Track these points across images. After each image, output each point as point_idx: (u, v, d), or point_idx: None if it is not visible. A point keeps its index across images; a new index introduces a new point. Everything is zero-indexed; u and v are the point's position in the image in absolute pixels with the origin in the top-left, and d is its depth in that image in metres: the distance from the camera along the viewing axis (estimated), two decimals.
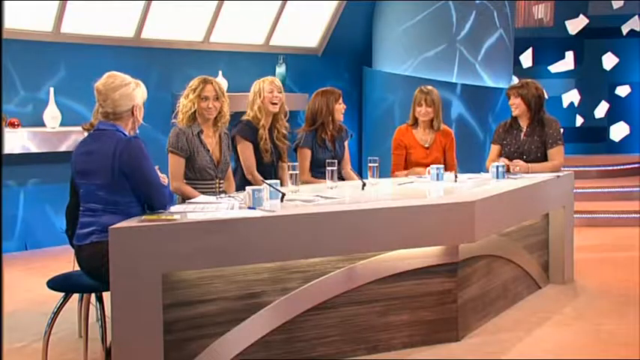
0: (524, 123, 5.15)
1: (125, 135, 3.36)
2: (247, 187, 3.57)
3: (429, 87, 5.24)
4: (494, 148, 5.26)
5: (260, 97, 4.73)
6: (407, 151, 5.22)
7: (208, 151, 4.33)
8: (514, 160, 5.02)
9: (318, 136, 5.00)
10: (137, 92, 3.43)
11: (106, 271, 3.09)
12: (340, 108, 5.03)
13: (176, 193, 4.30)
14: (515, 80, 8.62)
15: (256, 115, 4.72)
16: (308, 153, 4.96)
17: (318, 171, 4.92)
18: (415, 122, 5.26)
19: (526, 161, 5.05)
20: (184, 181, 4.30)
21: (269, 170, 4.73)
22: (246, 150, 4.72)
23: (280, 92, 4.77)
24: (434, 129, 5.23)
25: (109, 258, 3.05)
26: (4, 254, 5.83)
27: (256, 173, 4.67)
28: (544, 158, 5.09)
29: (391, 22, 7.92)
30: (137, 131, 3.51)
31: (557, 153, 5.06)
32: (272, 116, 4.79)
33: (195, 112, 4.31)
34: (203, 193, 4.22)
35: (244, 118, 4.78)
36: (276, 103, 4.74)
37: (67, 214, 3.92)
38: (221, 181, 4.43)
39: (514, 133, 5.16)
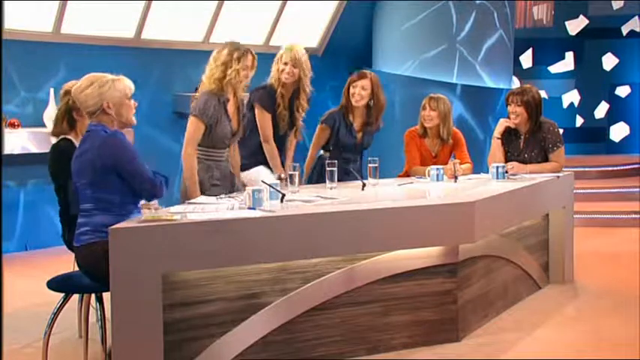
0: (522, 129, 5.08)
1: (106, 132, 3.36)
2: (247, 188, 3.57)
3: (440, 95, 5.13)
4: (497, 144, 5.11)
5: (276, 65, 4.61)
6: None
7: (230, 120, 4.28)
8: (509, 163, 4.97)
9: (347, 118, 4.86)
10: (106, 89, 3.36)
11: (102, 271, 3.10)
12: (355, 92, 4.78)
13: (184, 160, 4.16)
14: (516, 81, 8.65)
15: (273, 84, 4.61)
16: (326, 132, 4.84)
17: (339, 154, 4.80)
18: (424, 132, 5.16)
19: (523, 162, 5.00)
20: (197, 149, 4.20)
21: (282, 141, 4.67)
22: (264, 119, 4.58)
23: (297, 67, 4.57)
24: (442, 140, 5.13)
25: (105, 257, 3.05)
26: (4, 254, 5.83)
27: (272, 142, 4.58)
28: (543, 158, 5.08)
29: (391, 23, 7.93)
30: (129, 127, 3.48)
31: (558, 156, 5.02)
32: (295, 86, 4.63)
33: (229, 80, 4.19)
34: (214, 161, 4.21)
35: (267, 83, 4.64)
36: (287, 78, 4.57)
37: (60, 219, 3.96)
38: (228, 150, 4.38)
39: (512, 140, 5.11)
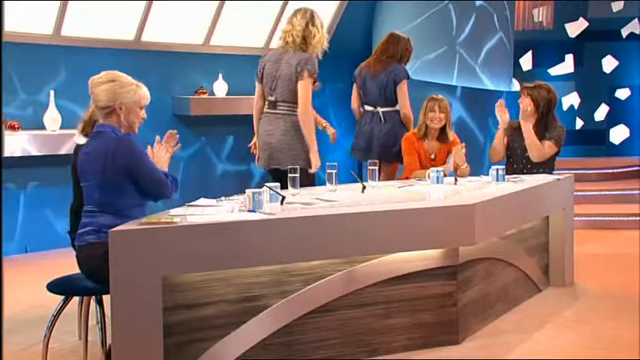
0: (531, 121, 5.19)
1: (117, 134, 3.37)
2: (247, 190, 3.57)
3: (440, 95, 5.29)
4: (500, 135, 5.31)
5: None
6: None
7: None
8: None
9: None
10: (125, 91, 3.40)
11: (101, 272, 3.11)
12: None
13: (310, 120, 4.64)
14: (516, 83, 8.66)
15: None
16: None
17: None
18: (424, 134, 5.23)
19: (527, 162, 5.10)
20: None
21: None
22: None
23: None
24: (442, 141, 5.21)
25: (105, 259, 3.05)
26: (4, 257, 5.83)
27: None
28: (546, 160, 5.13)
29: (391, 25, 7.91)
30: (135, 132, 3.50)
31: (549, 146, 5.10)
32: None
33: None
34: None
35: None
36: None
37: (71, 214, 3.94)
38: None
39: (520, 131, 5.19)
